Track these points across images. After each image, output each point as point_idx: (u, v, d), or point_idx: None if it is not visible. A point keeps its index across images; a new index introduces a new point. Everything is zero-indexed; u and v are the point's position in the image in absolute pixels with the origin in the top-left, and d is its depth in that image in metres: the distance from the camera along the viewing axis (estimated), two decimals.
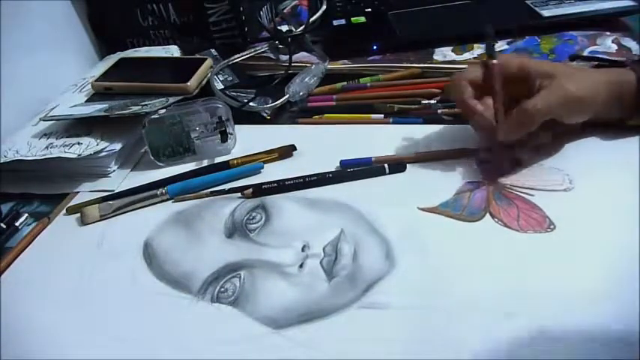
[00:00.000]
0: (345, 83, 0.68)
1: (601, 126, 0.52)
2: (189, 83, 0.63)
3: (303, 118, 0.64)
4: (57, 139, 0.60)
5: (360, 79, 0.69)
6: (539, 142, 0.51)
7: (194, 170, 0.58)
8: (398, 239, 0.46)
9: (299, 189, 0.53)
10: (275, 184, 0.53)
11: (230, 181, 0.56)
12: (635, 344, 0.35)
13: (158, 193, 0.54)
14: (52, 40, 0.74)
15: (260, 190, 0.53)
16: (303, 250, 0.46)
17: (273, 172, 0.56)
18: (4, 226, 0.54)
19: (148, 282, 0.45)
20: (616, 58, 0.63)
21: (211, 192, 0.54)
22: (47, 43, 0.72)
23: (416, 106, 0.62)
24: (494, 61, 0.51)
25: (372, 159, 0.55)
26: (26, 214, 0.56)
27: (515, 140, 0.50)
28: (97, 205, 0.54)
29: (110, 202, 0.54)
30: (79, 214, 0.54)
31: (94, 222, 0.53)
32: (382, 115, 0.62)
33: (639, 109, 0.50)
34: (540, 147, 0.52)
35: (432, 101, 0.62)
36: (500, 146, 0.51)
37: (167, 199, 0.54)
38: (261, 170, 0.57)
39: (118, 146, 0.59)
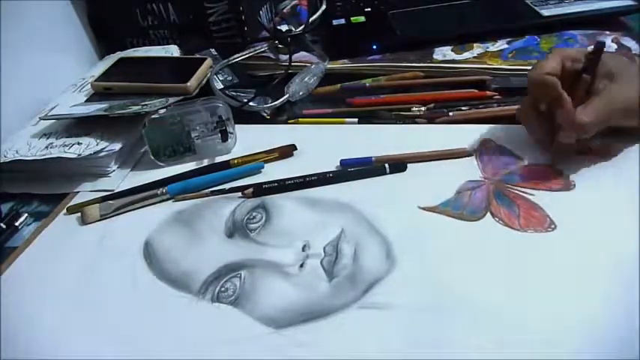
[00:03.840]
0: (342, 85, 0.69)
1: None
2: (189, 83, 0.63)
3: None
4: (57, 139, 0.60)
5: (361, 80, 0.69)
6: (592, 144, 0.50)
7: (194, 170, 0.58)
8: (398, 239, 0.46)
9: (299, 189, 0.53)
10: (275, 184, 0.53)
11: (230, 181, 0.56)
12: (635, 344, 0.35)
13: (158, 192, 0.54)
14: (52, 40, 0.74)
15: (260, 190, 0.53)
16: (303, 249, 0.46)
17: (274, 171, 0.56)
18: (4, 226, 0.54)
19: (148, 281, 0.45)
20: None
21: (212, 191, 0.54)
22: (47, 43, 0.72)
23: (409, 114, 0.62)
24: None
25: (373, 159, 0.55)
26: (26, 214, 0.56)
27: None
28: (97, 204, 0.54)
29: (110, 202, 0.54)
30: (79, 214, 0.54)
31: (94, 222, 0.53)
32: (357, 119, 0.62)
33: None
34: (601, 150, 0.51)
35: (423, 108, 0.62)
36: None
37: (167, 199, 0.54)
38: (262, 170, 0.56)
39: (117, 146, 0.59)
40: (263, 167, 0.57)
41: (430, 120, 0.61)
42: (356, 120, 0.62)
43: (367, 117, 0.63)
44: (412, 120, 0.61)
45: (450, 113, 0.61)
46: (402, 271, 0.43)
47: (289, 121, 0.65)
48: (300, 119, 0.64)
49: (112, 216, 0.53)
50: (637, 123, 0.48)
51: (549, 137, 0.51)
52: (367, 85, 0.68)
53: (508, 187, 0.50)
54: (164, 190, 0.54)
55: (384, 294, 0.41)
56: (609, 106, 0.47)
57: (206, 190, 0.54)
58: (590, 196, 0.47)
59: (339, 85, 0.69)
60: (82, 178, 0.59)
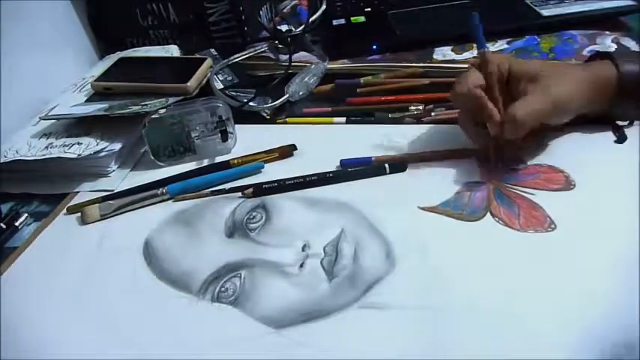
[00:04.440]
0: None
1: (588, 122, 0.53)
2: (189, 83, 0.63)
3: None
4: (57, 139, 0.60)
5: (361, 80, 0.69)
6: (524, 146, 0.51)
7: (194, 170, 0.58)
8: (398, 239, 0.45)
9: (299, 189, 0.53)
10: (275, 184, 0.53)
11: (230, 181, 0.56)
12: (635, 344, 0.35)
13: (159, 192, 0.54)
14: (52, 40, 0.74)
15: (260, 190, 0.53)
16: (303, 249, 0.46)
17: (274, 171, 0.56)
18: (4, 226, 0.54)
19: (148, 281, 0.45)
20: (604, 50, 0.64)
21: (212, 191, 0.54)
22: (47, 43, 0.72)
23: (407, 114, 0.62)
24: (487, 49, 0.51)
25: (373, 159, 0.55)
26: (26, 214, 0.56)
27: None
28: (97, 204, 0.54)
29: (111, 202, 0.54)
30: (79, 214, 0.54)
31: (94, 222, 0.53)
32: (344, 119, 0.62)
33: (619, 103, 0.51)
34: (525, 150, 0.52)
35: (420, 107, 0.62)
36: (498, 145, 0.51)
37: (168, 199, 0.54)
38: (262, 170, 0.56)
39: (117, 146, 0.59)
40: (263, 167, 0.57)
41: (418, 120, 0.61)
42: (344, 119, 0.62)
43: (364, 116, 0.63)
44: (400, 120, 0.61)
45: (432, 113, 0.61)
46: (401, 271, 0.43)
47: (278, 121, 0.65)
48: (287, 119, 0.65)
49: (112, 216, 0.53)
50: (566, 119, 0.51)
51: (489, 141, 0.51)
52: (362, 81, 0.68)
53: (508, 187, 0.50)
54: (164, 190, 0.54)
55: (384, 294, 0.41)
56: (536, 106, 0.48)
57: (206, 190, 0.54)
58: (590, 196, 0.47)
59: (332, 84, 0.69)
60: (82, 178, 0.59)
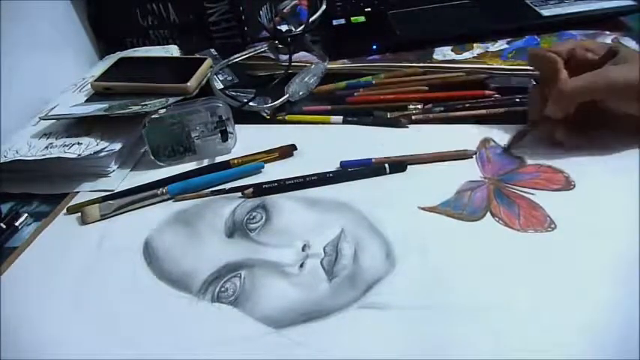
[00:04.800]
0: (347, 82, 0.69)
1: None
2: (189, 83, 0.63)
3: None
4: (57, 139, 0.60)
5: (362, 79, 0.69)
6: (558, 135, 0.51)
7: (194, 170, 0.58)
8: (398, 239, 0.46)
9: (299, 189, 0.53)
10: (275, 184, 0.53)
11: (230, 181, 0.56)
12: (635, 344, 0.35)
13: (159, 192, 0.54)
14: (52, 40, 0.74)
15: (260, 190, 0.53)
16: (303, 249, 0.46)
17: (274, 171, 0.56)
18: (4, 227, 0.54)
19: (148, 281, 0.45)
20: None
21: (212, 192, 0.54)
22: (47, 43, 0.72)
23: (406, 112, 0.62)
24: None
25: (372, 160, 0.55)
26: (26, 214, 0.56)
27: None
28: (97, 204, 0.54)
29: (111, 202, 0.54)
30: (79, 214, 0.54)
31: (94, 221, 0.53)
32: (341, 118, 0.62)
33: None
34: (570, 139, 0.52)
35: (419, 106, 0.62)
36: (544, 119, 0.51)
37: (168, 199, 0.54)
38: (262, 170, 0.56)
39: (117, 146, 0.59)
40: (263, 167, 0.57)
41: (417, 120, 0.61)
42: (340, 118, 0.62)
43: (363, 115, 0.63)
44: (395, 121, 0.61)
45: (430, 115, 0.61)
46: (401, 271, 0.43)
47: (278, 117, 0.65)
48: (287, 117, 0.65)
49: (112, 216, 0.53)
50: (623, 106, 0.49)
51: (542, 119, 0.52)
52: (372, 82, 0.68)
53: (508, 187, 0.50)
54: (164, 190, 0.54)
55: (384, 294, 0.41)
56: (595, 79, 0.48)
57: (206, 190, 0.54)
58: (590, 196, 0.47)
59: (343, 84, 0.69)
60: (82, 178, 0.59)
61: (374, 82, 0.68)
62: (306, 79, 0.68)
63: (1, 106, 0.64)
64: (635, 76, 0.47)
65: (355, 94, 0.67)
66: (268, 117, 0.66)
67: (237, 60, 0.70)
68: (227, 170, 0.57)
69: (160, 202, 0.54)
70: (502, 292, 0.40)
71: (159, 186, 0.55)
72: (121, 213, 0.53)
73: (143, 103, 0.61)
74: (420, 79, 0.67)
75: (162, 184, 0.55)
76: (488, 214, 0.47)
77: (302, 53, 0.75)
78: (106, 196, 0.56)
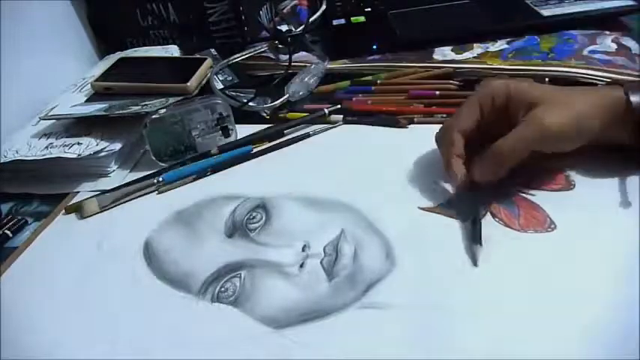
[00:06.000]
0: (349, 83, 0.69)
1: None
2: (189, 83, 0.63)
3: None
4: (57, 139, 0.60)
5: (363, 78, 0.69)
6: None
7: (188, 159, 0.59)
8: (398, 239, 0.46)
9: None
10: None
11: (223, 168, 0.57)
12: (636, 344, 0.35)
13: (155, 181, 0.55)
14: (52, 40, 0.74)
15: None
16: (303, 249, 0.46)
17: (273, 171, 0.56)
18: (11, 235, 0.54)
19: (148, 282, 0.45)
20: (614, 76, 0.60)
21: (194, 178, 0.56)
22: (47, 43, 0.72)
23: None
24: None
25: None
26: (26, 215, 0.56)
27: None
28: (94, 197, 0.54)
29: (108, 194, 0.54)
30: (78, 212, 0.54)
31: (93, 214, 0.53)
32: (341, 116, 0.62)
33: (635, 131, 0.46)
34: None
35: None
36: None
37: (163, 185, 0.55)
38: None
39: (117, 146, 0.59)
40: (251, 150, 0.58)
41: (411, 121, 0.60)
42: (340, 117, 0.62)
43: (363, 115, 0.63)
44: (395, 121, 0.60)
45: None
46: (402, 271, 0.43)
47: (279, 116, 0.65)
48: (288, 115, 0.65)
49: (111, 207, 0.53)
50: (566, 147, 0.46)
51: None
52: (372, 88, 0.68)
53: (508, 187, 0.50)
54: (160, 179, 0.55)
55: (384, 294, 0.41)
56: (526, 135, 0.45)
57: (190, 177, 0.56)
58: (590, 196, 0.47)
59: (344, 84, 0.69)
60: (82, 178, 0.59)
61: (373, 88, 0.67)
62: (306, 79, 0.68)
63: (1, 106, 0.64)
64: (567, 120, 0.44)
65: (354, 98, 0.66)
66: (268, 117, 0.66)
67: (237, 60, 0.70)
68: (220, 155, 0.59)
69: (156, 190, 0.55)
70: (502, 292, 0.40)
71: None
72: (120, 203, 0.54)
73: (143, 103, 0.61)
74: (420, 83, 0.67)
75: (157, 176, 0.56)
76: (489, 214, 0.47)
77: (302, 53, 0.75)
78: (104, 191, 0.56)
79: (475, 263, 0.42)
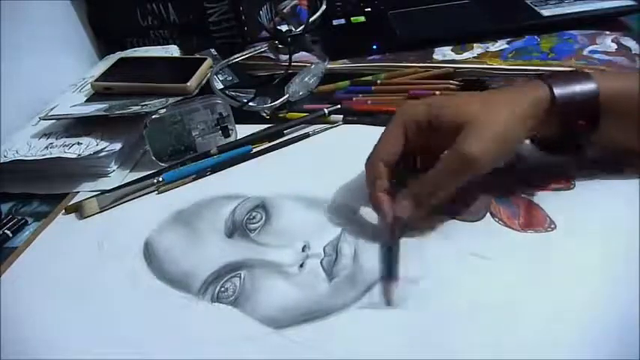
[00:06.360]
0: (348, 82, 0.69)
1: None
2: (189, 83, 0.63)
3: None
4: (57, 139, 0.60)
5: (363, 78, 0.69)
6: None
7: (188, 158, 0.59)
8: (398, 239, 0.45)
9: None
10: None
11: (222, 168, 0.57)
12: (635, 344, 0.35)
13: (155, 181, 0.55)
14: (52, 40, 0.74)
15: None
16: (303, 250, 0.46)
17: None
18: (11, 235, 0.54)
19: (148, 282, 0.45)
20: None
21: (194, 178, 0.56)
22: (47, 43, 0.72)
23: None
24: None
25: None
26: (26, 215, 0.56)
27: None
28: (94, 197, 0.54)
29: (107, 194, 0.54)
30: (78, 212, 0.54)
31: (93, 214, 0.53)
32: (341, 116, 0.62)
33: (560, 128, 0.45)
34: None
35: None
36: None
37: (163, 185, 0.55)
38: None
39: (117, 146, 0.59)
40: (251, 150, 0.58)
41: None
42: (340, 116, 0.62)
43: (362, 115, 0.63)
44: None
45: None
46: (401, 271, 0.43)
47: (279, 116, 0.65)
48: (288, 115, 0.65)
49: (111, 207, 0.53)
50: (498, 162, 0.45)
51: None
52: (372, 88, 0.68)
53: (508, 187, 0.50)
54: (160, 179, 0.55)
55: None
56: (448, 167, 0.43)
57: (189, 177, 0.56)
58: (590, 196, 0.47)
59: (343, 84, 0.69)
60: (82, 178, 0.59)
61: (373, 88, 0.67)
62: (306, 79, 0.68)
63: (1, 106, 0.64)
64: (492, 143, 0.42)
65: (354, 98, 0.66)
66: (268, 117, 0.66)
67: (237, 60, 0.70)
68: (220, 155, 0.59)
69: (156, 190, 0.55)
70: (502, 292, 0.40)
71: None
72: (121, 203, 0.54)
73: (143, 103, 0.61)
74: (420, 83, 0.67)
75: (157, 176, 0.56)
76: (488, 214, 0.47)
77: (302, 53, 0.75)
78: (104, 191, 0.56)
79: (389, 302, 0.39)
